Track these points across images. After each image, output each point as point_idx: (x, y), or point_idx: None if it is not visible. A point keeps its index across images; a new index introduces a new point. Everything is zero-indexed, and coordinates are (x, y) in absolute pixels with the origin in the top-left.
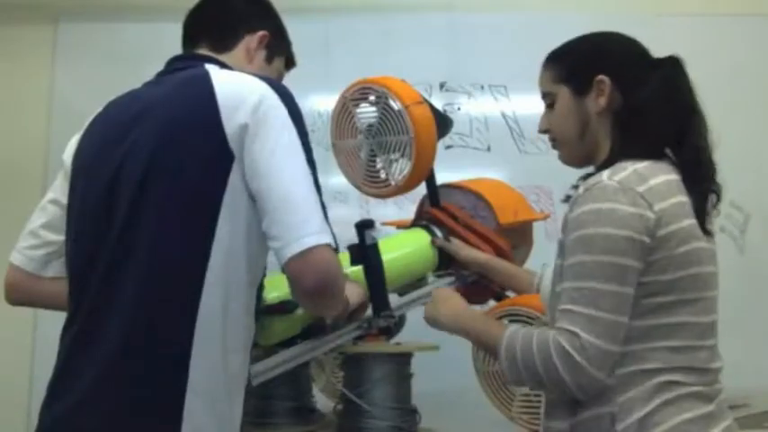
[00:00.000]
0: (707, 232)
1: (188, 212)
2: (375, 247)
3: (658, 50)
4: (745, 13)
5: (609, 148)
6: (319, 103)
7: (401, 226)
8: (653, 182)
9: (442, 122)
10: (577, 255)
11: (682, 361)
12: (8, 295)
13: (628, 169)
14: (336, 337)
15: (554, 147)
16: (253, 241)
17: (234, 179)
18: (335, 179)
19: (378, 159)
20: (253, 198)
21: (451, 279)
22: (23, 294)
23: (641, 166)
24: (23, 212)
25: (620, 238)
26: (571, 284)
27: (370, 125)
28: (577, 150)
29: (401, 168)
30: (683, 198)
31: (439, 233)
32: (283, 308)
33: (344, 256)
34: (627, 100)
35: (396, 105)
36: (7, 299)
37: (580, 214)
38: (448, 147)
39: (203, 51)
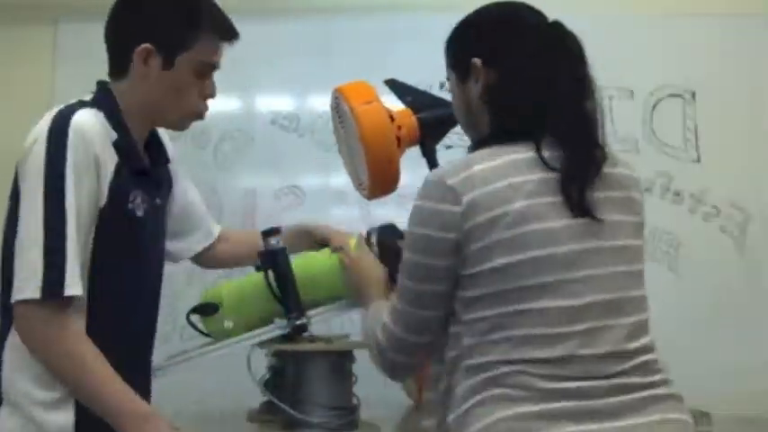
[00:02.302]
0: (582, 207)
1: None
2: (282, 251)
3: (659, 50)
4: (745, 13)
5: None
6: (319, 103)
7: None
8: (477, 168)
9: (442, 122)
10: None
11: (527, 352)
12: None
13: (462, 159)
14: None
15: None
16: None
17: None
18: (336, 179)
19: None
20: None
21: None
22: None
23: (482, 151)
24: None
25: (419, 236)
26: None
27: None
28: (473, 136)
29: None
30: (518, 179)
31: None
32: (203, 310)
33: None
34: (497, 78)
35: (346, 108)
36: None
37: (411, 209)
38: (448, 147)
39: (109, 78)
